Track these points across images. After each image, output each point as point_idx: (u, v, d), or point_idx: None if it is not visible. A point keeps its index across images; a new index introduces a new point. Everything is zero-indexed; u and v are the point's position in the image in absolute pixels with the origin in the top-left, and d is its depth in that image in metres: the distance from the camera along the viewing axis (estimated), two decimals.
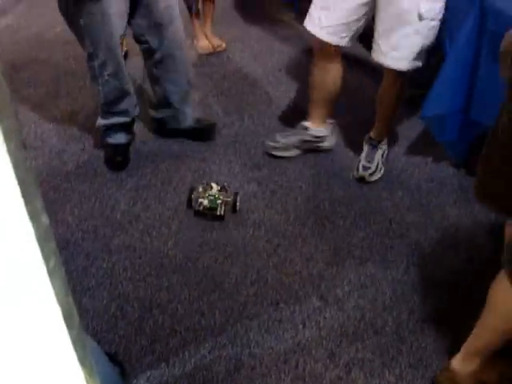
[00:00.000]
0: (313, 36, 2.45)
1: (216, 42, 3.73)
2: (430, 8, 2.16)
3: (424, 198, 2.54)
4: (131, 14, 2.43)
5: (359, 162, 2.63)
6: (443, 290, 2.11)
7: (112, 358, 1.76)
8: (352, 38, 2.43)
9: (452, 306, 2.05)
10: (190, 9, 3.62)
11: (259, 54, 3.71)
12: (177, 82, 2.70)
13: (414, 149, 2.80)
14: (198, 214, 2.41)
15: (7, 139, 0.70)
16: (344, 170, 2.69)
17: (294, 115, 3.00)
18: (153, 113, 2.91)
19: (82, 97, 3.21)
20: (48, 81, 3.46)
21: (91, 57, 2.42)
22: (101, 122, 2.68)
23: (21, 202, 0.77)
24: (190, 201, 2.44)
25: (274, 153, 2.74)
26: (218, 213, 2.38)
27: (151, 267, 2.20)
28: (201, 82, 3.30)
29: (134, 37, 2.58)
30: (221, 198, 2.40)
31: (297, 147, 2.75)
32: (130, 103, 2.63)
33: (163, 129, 2.91)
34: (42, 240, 0.85)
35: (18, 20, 4.32)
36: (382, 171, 2.64)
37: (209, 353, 1.90)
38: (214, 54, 3.70)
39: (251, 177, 2.66)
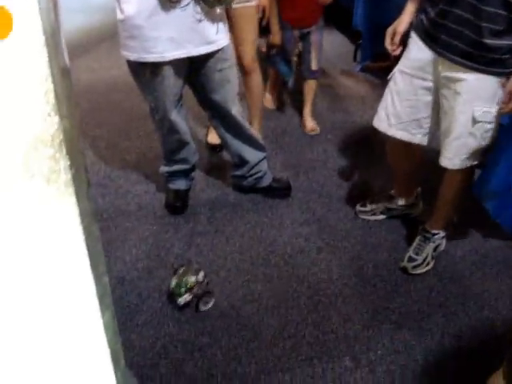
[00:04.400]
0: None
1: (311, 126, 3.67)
2: (485, 112, 2.14)
3: (467, 269, 2.59)
4: (190, 80, 2.62)
5: (407, 252, 2.58)
6: (476, 364, 2.15)
7: None
8: (426, 134, 2.42)
9: (482, 381, 2.09)
10: (285, 84, 3.67)
11: (321, 111, 3.86)
12: (242, 139, 2.86)
13: (460, 218, 2.85)
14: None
15: (82, 216, 0.87)
16: (393, 233, 2.77)
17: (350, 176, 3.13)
18: (231, 170, 3.06)
19: (150, 141, 3.43)
20: (121, 123, 3.72)
21: (152, 111, 2.64)
22: (163, 168, 2.89)
23: (88, 264, 0.94)
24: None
25: (362, 216, 2.85)
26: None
27: (197, 312, 2.34)
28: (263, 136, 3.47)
29: (196, 98, 2.77)
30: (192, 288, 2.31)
31: (383, 213, 2.83)
32: (188, 152, 2.82)
33: (241, 185, 3.06)
34: (101, 297, 1.01)
35: (99, 61, 4.66)
36: (429, 266, 2.56)
37: None
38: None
39: (300, 232, 2.79)
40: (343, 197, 3.06)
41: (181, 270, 2.35)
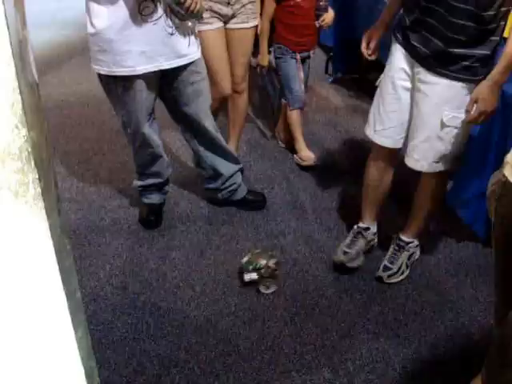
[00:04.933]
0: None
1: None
2: (454, 117, 2.16)
3: (442, 277, 2.61)
4: (162, 93, 2.62)
5: (382, 261, 2.59)
6: (453, 371, 2.16)
7: None
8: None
9: None
10: (272, 107, 3.62)
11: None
12: (215, 152, 2.84)
13: (435, 227, 2.88)
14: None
15: (52, 231, 0.85)
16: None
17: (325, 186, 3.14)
18: (205, 183, 3.03)
19: (122, 155, 3.40)
20: (92, 137, 3.69)
21: (124, 125, 2.62)
22: (136, 182, 2.87)
23: (59, 280, 0.91)
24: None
25: (350, 265, 2.59)
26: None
27: (173, 326, 2.31)
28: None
29: (169, 111, 2.76)
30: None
31: (363, 252, 2.66)
32: (161, 166, 2.80)
33: (216, 198, 3.04)
34: (73, 313, 0.99)
35: (69, 75, 4.62)
36: (404, 274, 2.56)
37: None
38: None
39: (275, 244, 2.78)
40: (318, 207, 3.06)
41: (256, 251, 2.53)
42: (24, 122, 0.75)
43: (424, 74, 2.17)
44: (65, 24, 5.56)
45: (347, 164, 3.41)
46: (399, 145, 2.42)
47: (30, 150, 0.77)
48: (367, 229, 2.66)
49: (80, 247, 2.71)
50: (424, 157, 2.29)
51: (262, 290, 2.47)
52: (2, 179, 0.72)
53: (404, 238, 2.59)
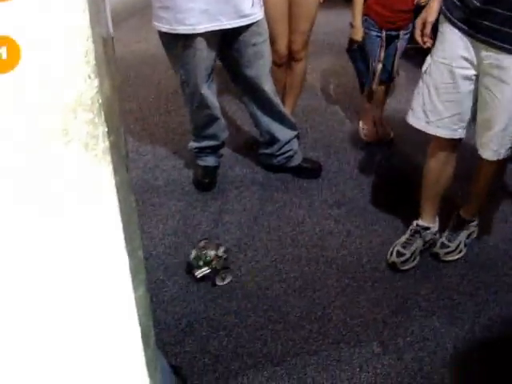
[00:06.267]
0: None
1: (383, 130, 3.33)
2: None
3: (499, 259, 2.52)
4: (223, 54, 2.57)
5: (440, 237, 2.50)
6: (506, 353, 2.10)
7: (176, 370, 1.88)
8: (466, 127, 2.23)
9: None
10: (362, 86, 3.27)
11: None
12: (273, 117, 2.80)
13: (495, 205, 2.78)
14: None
15: (119, 186, 0.83)
16: None
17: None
18: (260, 148, 3.00)
19: (179, 116, 3.39)
20: (150, 97, 3.69)
21: (182, 85, 2.59)
22: (192, 144, 2.86)
23: (122, 237, 0.90)
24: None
25: (403, 267, 2.43)
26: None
27: (223, 290, 2.31)
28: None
29: (228, 74, 2.72)
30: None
31: (420, 251, 2.50)
32: (218, 128, 2.78)
33: (270, 164, 3.00)
34: (134, 272, 0.97)
35: (129, 34, 4.61)
36: (462, 253, 2.48)
37: (266, 381, 1.98)
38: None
39: (329, 214, 2.74)
40: (375, 179, 3.00)
41: (202, 244, 2.34)
42: (96, 73, 0.72)
43: (495, 58, 1.97)
44: None
45: (407, 143, 3.31)
46: (457, 135, 2.24)
47: (101, 101, 0.75)
48: (427, 228, 2.49)
49: None
50: (502, 145, 2.12)
51: (219, 282, 2.32)
52: (73, 130, 0.70)
53: (464, 216, 2.50)
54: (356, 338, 2.13)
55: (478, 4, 1.93)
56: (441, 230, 2.55)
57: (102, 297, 0.94)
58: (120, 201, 0.81)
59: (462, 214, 2.51)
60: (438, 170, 2.38)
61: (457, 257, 2.48)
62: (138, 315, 1.02)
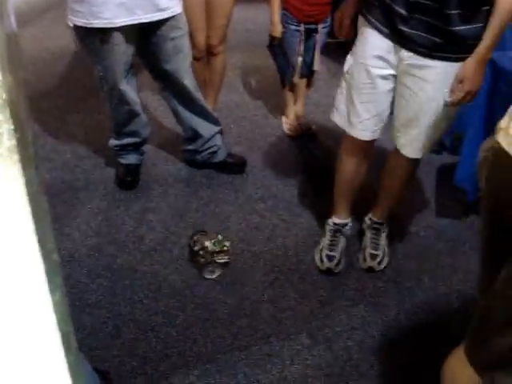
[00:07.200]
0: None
1: (305, 124, 3.36)
2: None
3: (420, 246, 2.59)
4: (141, 49, 2.52)
5: (364, 248, 2.47)
6: (432, 338, 2.16)
7: (103, 375, 1.82)
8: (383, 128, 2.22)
9: (439, 355, 2.09)
10: (282, 80, 3.31)
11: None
12: (195, 112, 2.77)
13: (415, 195, 2.86)
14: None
15: (28, 186, 0.78)
16: None
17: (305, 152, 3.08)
18: (183, 145, 2.95)
19: (99, 114, 3.30)
20: (68, 95, 3.57)
21: (101, 81, 2.52)
22: (113, 142, 2.78)
23: (35, 240, 0.85)
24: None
25: (338, 270, 2.42)
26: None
27: (150, 290, 2.26)
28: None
29: (147, 69, 2.67)
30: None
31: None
32: (139, 124, 2.72)
33: (194, 160, 2.97)
34: (50, 275, 0.92)
35: (44, 30, 4.46)
36: (388, 256, 2.47)
37: (197, 379, 1.95)
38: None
39: (255, 208, 2.73)
40: (299, 172, 3.02)
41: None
42: None
43: (417, 58, 1.94)
44: None
45: (329, 136, 3.35)
46: (376, 136, 2.22)
47: (4, 97, 0.70)
48: (345, 225, 2.50)
49: (54, 208, 2.62)
50: (424, 143, 2.13)
51: (208, 275, 2.34)
52: None
53: (378, 219, 2.49)
54: (285, 331, 2.14)
55: (403, 12, 1.88)
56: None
57: (17, 303, 0.89)
58: (30, 201, 0.76)
59: (376, 218, 2.50)
60: (353, 171, 2.36)
61: (387, 261, 2.47)
62: (57, 320, 0.97)
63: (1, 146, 0.71)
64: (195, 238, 2.37)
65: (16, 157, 0.73)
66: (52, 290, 0.94)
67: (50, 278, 0.92)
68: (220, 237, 2.37)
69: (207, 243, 2.32)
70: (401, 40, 1.94)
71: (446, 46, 1.89)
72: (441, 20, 1.85)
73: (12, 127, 0.72)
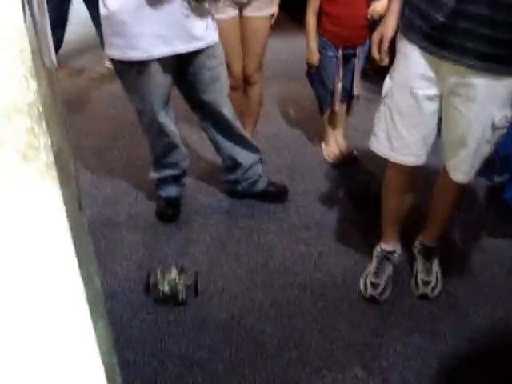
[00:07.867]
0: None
1: (346, 150, 3.27)
2: (503, 116, 1.87)
3: (475, 269, 2.48)
4: (179, 79, 2.50)
5: (416, 274, 2.37)
6: (493, 366, 2.03)
7: None
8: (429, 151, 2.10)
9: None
10: (321, 107, 3.24)
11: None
12: (234, 141, 2.73)
13: (464, 215, 2.74)
14: (158, 301, 2.28)
15: (68, 207, 0.73)
16: None
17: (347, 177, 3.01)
18: (224, 175, 2.91)
19: (138, 148, 3.29)
20: (107, 131, 3.58)
21: (139, 114, 2.50)
22: (153, 175, 2.75)
23: (75, 262, 0.79)
24: (147, 286, 2.32)
25: (382, 298, 2.32)
26: (180, 298, 2.26)
27: (194, 324, 2.20)
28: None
29: (185, 100, 2.64)
30: (181, 281, 2.26)
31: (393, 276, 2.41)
32: (178, 156, 2.68)
33: (235, 191, 2.92)
34: (92, 302, 0.86)
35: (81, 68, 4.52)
36: (442, 280, 2.37)
37: None
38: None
39: (299, 237, 2.66)
40: (342, 198, 2.94)
41: (158, 275, 2.29)
42: (34, 74, 0.63)
43: (459, 75, 1.83)
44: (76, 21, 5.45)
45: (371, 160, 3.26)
46: (421, 161, 2.10)
47: (41, 108, 0.65)
48: (393, 252, 2.41)
49: (95, 243, 2.57)
50: (473, 166, 2.01)
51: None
52: (7, 138, 0.61)
53: (429, 244, 2.40)
54: (338, 362, 2.04)
55: (442, 19, 1.77)
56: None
57: (59, 333, 0.83)
58: (70, 219, 0.71)
59: (427, 242, 2.41)
60: (399, 198, 2.28)
61: (440, 286, 2.35)
62: (101, 352, 0.91)
63: (38, 160, 0.66)
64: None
65: (54, 173, 0.68)
66: (94, 320, 0.87)
67: (93, 305, 0.86)
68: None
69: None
70: (441, 52, 1.83)
71: (494, 56, 1.77)
72: (488, 27, 1.71)
73: (49, 141, 0.67)
